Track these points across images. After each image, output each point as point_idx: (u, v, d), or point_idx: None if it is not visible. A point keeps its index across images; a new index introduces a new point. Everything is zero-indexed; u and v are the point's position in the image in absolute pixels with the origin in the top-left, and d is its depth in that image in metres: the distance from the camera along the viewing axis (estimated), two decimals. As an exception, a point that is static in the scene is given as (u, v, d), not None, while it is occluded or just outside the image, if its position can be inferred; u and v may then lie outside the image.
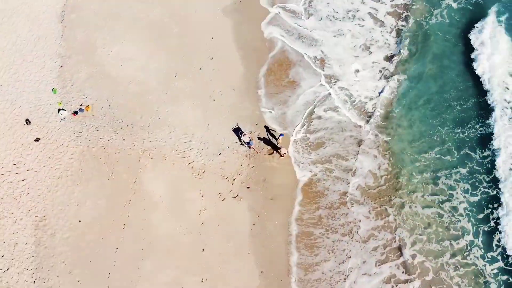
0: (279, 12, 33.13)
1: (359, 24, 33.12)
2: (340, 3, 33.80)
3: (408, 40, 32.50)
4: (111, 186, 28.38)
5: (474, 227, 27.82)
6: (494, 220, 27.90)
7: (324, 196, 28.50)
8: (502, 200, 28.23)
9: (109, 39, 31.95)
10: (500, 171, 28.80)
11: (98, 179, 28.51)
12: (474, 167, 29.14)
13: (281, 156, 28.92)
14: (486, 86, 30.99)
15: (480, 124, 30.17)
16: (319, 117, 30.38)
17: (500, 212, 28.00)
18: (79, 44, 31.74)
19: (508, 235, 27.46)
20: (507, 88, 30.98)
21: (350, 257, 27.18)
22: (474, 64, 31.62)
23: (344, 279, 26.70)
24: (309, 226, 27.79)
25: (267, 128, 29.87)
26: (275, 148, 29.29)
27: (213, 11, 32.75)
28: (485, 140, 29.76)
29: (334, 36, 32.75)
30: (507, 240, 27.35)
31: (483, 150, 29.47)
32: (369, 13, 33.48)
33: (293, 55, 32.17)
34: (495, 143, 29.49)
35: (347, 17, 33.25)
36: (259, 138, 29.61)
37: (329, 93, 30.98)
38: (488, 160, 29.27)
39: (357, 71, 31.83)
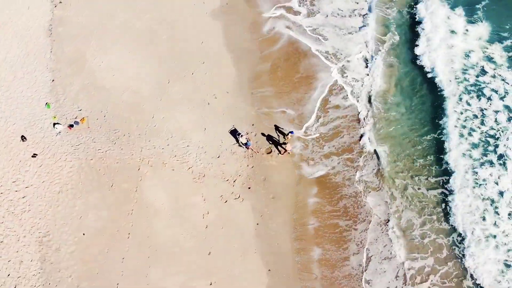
0: (281, 13, 32.93)
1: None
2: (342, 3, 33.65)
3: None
4: (112, 197, 28.09)
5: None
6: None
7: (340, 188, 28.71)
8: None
9: (98, 50, 31.53)
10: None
11: (98, 190, 28.20)
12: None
13: (288, 152, 28.76)
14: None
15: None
16: (334, 108, 30.35)
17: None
18: (69, 57, 31.27)
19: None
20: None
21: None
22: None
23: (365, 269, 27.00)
24: (326, 219, 27.96)
25: (276, 126, 29.71)
26: (277, 144, 29.14)
27: (201, 15, 32.46)
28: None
29: (341, 30, 32.67)
30: None
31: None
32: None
33: (300, 49, 31.86)
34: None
35: (353, 15, 33.07)
36: (262, 135, 29.47)
37: (342, 85, 30.99)
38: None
39: (366, 60, 31.85)
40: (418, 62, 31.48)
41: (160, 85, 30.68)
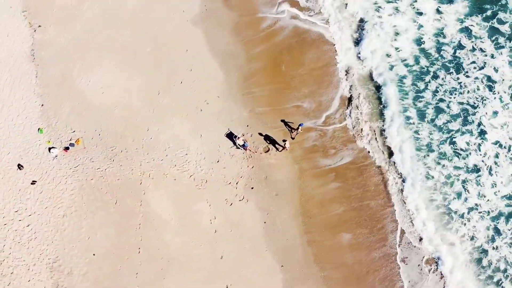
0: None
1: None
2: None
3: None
4: (118, 214, 27.74)
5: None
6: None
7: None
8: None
9: (84, 69, 30.94)
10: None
11: (103, 209, 27.82)
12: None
13: (286, 149, 28.72)
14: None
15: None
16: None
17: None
18: (55, 80, 30.60)
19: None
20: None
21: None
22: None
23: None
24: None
25: (283, 121, 29.65)
26: (275, 142, 29.09)
27: (182, 24, 32.10)
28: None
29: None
30: None
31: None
32: None
33: (308, 39, 31.79)
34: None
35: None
36: (260, 134, 29.39)
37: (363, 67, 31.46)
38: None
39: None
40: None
41: (150, 97, 30.29)
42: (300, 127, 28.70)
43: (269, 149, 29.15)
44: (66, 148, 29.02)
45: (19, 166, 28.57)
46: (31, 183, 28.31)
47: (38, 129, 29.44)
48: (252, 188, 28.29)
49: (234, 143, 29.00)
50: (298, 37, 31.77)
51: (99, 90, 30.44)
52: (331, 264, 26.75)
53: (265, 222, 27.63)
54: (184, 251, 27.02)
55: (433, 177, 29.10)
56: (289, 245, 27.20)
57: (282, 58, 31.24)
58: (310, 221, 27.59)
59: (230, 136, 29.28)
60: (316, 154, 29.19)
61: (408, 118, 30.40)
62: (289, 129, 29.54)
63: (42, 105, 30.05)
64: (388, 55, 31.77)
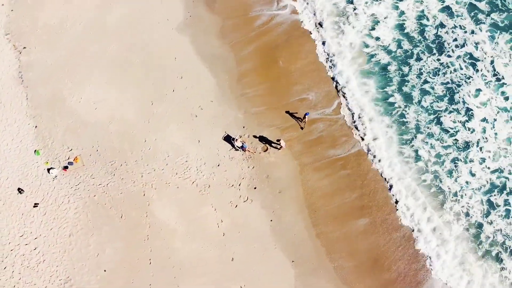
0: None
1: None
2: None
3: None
4: (124, 227, 27.37)
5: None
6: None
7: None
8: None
9: (74, 87, 30.49)
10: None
11: (109, 224, 27.42)
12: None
13: (279, 148, 28.72)
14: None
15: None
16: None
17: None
18: (46, 100, 30.11)
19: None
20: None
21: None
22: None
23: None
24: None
25: (288, 112, 29.67)
26: (271, 142, 29.02)
27: (167, 32, 31.86)
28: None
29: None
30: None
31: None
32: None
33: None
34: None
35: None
36: (254, 137, 29.27)
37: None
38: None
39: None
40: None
41: (144, 108, 29.98)
42: (306, 116, 28.71)
43: (267, 148, 29.07)
44: (65, 167, 28.51)
45: (20, 190, 27.98)
46: (34, 206, 27.76)
47: (35, 151, 28.87)
48: (255, 188, 28.19)
49: (233, 146, 28.85)
50: (297, 30, 32.06)
51: (91, 106, 30.00)
52: (341, 254, 26.76)
53: (271, 220, 27.54)
54: (194, 257, 26.77)
55: (423, 157, 29.36)
56: (297, 240, 27.15)
57: (279, 54, 31.35)
58: (315, 214, 27.58)
59: (228, 139, 29.11)
60: (322, 145, 29.18)
61: (391, 104, 30.67)
62: (296, 120, 29.57)
63: (36, 126, 29.49)
64: (366, 45, 32.14)
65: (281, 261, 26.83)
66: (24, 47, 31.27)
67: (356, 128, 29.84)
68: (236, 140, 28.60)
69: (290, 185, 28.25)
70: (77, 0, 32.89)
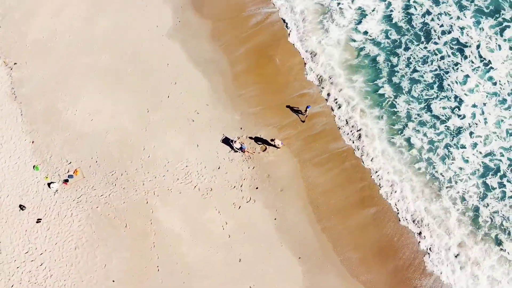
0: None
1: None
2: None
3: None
4: (130, 236, 27.18)
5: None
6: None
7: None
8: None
9: (68, 100, 30.18)
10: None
11: (114, 234, 27.21)
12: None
13: (278, 148, 28.74)
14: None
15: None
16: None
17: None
18: (41, 115, 29.80)
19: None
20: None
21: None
22: None
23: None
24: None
25: (289, 107, 29.76)
26: (267, 143, 29.02)
27: (158, 39, 31.69)
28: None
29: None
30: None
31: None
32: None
33: None
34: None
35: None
36: (250, 138, 29.23)
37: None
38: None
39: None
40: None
41: (140, 116, 29.78)
42: (307, 109, 28.86)
43: (266, 148, 29.06)
44: (66, 181, 28.20)
45: (21, 207, 27.61)
46: (37, 222, 27.42)
47: (33, 166, 28.51)
48: (256, 188, 28.17)
49: (232, 147, 28.79)
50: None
51: (87, 117, 29.71)
52: (347, 247, 26.87)
53: (275, 219, 27.54)
54: (202, 261, 26.68)
55: (415, 145, 29.55)
56: (303, 237, 27.19)
57: (274, 52, 31.46)
58: (319, 210, 27.65)
59: (226, 141, 29.04)
60: (321, 141, 29.24)
61: (381, 95, 30.84)
62: (297, 114, 29.67)
63: (33, 142, 29.13)
64: (354, 40, 32.29)
65: (288, 258, 26.84)
66: (15, 63, 30.86)
67: (346, 122, 29.99)
68: (235, 141, 28.54)
69: (291, 182, 28.29)
70: (65, 13, 32.59)
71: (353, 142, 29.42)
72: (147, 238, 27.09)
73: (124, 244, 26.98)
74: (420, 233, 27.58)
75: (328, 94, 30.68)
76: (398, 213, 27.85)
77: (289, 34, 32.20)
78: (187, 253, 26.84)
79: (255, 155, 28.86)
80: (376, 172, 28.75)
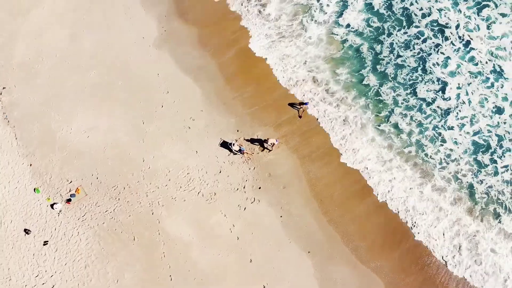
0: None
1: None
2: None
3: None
4: (139, 249, 26.96)
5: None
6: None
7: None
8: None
9: (62, 119, 29.72)
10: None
11: (124, 248, 26.96)
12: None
13: (270, 149, 28.77)
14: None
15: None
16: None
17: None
18: (36, 137, 29.30)
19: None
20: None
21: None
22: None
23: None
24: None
25: (290, 104, 29.93)
26: (262, 144, 29.06)
27: (145, 49, 31.42)
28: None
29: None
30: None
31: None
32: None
33: None
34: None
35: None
36: (246, 140, 29.22)
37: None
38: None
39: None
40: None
41: (136, 129, 29.52)
42: (304, 106, 29.09)
43: (264, 148, 29.01)
44: (68, 200, 27.78)
45: (26, 231, 27.10)
46: (44, 244, 26.96)
47: (34, 189, 28.01)
48: (259, 188, 28.20)
49: (231, 150, 28.77)
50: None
51: (83, 135, 29.31)
52: (354, 236, 27.15)
53: (281, 216, 27.63)
54: (214, 265, 26.64)
55: (403, 130, 29.85)
56: (310, 231, 27.35)
57: None
58: (323, 202, 27.85)
59: (225, 144, 28.97)
60: (318, 135, 29.37)
61: (367, 85, 31.09)
62: (298, 109, 29.83)
63: (31, 164, 28.61)
64: (336, 33, 32.45)
65: (297, 253, 26.98)
66: (4, 87, 30.22)
67: (333, 117, 30.13)
68: (233, 144, 28.51)
69: (292, 179, 28.41)
70: (48, 33, 32.06)
71: (342, 138, 29.59)
72: (157, 248, 26.89)
73: (134, 257, 26.73)
74: (414, 224, 27.61)
75: (314, 93, 30.79)
76: (386, 201, 28.11)
77: (251, 41, 31.91)
78: (198, 259, 26.74)
79: (254, 155, 28.86)
80: (361, 162, 28.93)
